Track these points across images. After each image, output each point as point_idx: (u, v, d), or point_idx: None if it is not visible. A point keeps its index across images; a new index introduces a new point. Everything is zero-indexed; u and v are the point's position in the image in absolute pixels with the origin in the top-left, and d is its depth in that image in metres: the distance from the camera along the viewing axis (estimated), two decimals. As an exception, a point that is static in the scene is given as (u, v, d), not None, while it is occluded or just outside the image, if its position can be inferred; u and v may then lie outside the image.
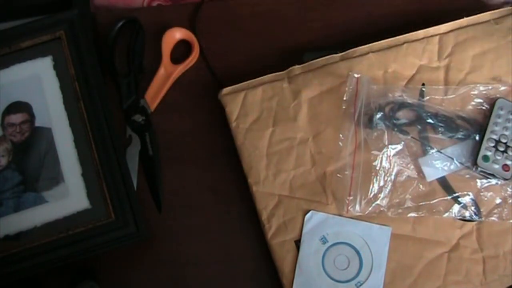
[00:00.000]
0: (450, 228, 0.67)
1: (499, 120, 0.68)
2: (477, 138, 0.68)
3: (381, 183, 0.67)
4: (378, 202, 0.67)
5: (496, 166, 0.66)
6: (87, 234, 0.67)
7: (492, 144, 0.67)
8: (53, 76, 0.72)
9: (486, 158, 0.66)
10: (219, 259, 0.70)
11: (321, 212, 0.67)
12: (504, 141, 0.67)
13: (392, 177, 0.67)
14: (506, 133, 0.67)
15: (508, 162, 0.66)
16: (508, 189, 0.67)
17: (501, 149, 0.66)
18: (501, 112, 0.68)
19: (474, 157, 0.67)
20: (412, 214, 0.66)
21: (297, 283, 0.66)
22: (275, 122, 0.70)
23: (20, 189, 0.69)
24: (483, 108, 0.69)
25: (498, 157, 0.66)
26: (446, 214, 0.66)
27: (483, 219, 0.66)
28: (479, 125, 0.68)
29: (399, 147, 0.68)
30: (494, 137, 0.67)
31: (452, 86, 0.70)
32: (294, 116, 0.70)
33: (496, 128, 0.67)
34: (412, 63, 0.71)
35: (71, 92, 0.71)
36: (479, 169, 0.66)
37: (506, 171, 0.66)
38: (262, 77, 0.72)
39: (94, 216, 0.67)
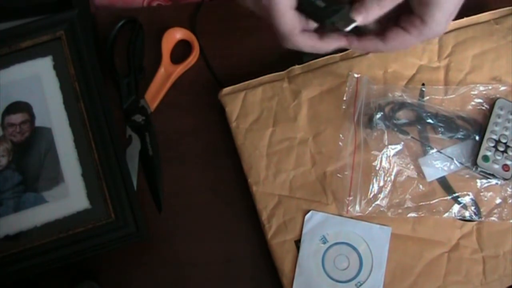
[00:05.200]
0: (450, 228, 0.67)
1: (499, 120, 0.68)
2: (477, 138, 0.68)
3: (381, 183, 0.67)
4: (378, 202, 0.67)
5: (496, 166, 0.66)
6: (87, 234, 0.67)
7: (492, 144, 0.67)
8: (53, 76, 0.72)
9: (486, 158, 0.66)
10: (219, 259, 0.70)
11: (321, 212, 0.67)
12: (504, 141, 0.67)
13: (392, 177, 0.67)
14: (506, 133, 0.67)
15: (508, 162, 0.66)
16: (508, 189, 0.67)
17: (501, 149, 0.66)
18: (501, 112, 0.68)
19: (474, 157, 0.67)
20: (412, 214, 0.66)
21: (297, 283, 0.66)
22: (275, 122, 0.70)
23: (20, 189, 0.69)
24: (483, 108, 0.69)
25: (498, 157, 0.66)
26: (446, 214, 0.66)
27: (483, 219, 0.66)
28: (479, 125, 0.68)
29: (399, 147, 0.68)
30: (494, 137, 0.67)
31: (452, 86, 0.70)
32: (294, 116, 0.70)
33: (496, 128, 0.67)
34: (412, 63, 0.71)
35: (71, 92, 0.71)
36: (479, 169, 0.66)
37: (506, 171, 0.66)
38: (262, 77, 0.72)
39: (94, 216, 0.67)
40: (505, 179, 0.66)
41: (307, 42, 0.56)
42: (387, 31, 0.57)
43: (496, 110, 0.68)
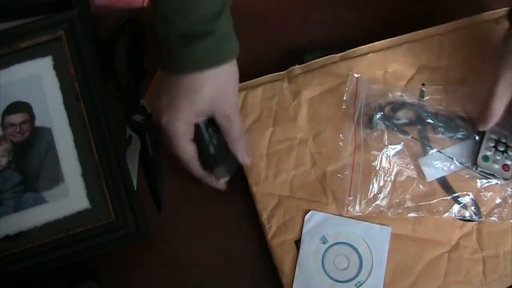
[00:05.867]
0: (450, 228, 0.67)
1: (499, 120, 0.67)
2: (477, 138, 0.68)
3: (381, 183, 0.67)
4: (378, 202, 0.67)
5: (496, 166, 0.66)
6: (87, 234, 0.67)
7: (492, 144, 0.67)
8: (53, 76, 0.72)
9: (486, 158, 0.66)
10: (219, 259, 0.70)
11: (321, 212, 0.67)
12: (504, 141, 0.67)
13: (392, 177, 0.67)
14: (506, 132, 0.67)
15: (508, 162, 0.66)
16: (508, 189, 0.67)
17: (501, 149, 0.66)
18: None
19: (474, 157, 0.67)
20: (412, 214, 0.66)
21: (297, 283, 0.66)
22: (275, 122, 0.70)
23: (20, 189, 0.69)
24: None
25: (498, 157, 0.66)
26: (446, 214, 0.66)
27: (483, 219, 0.66)
28: (479, 125, 0.68)
29: (398, 147, 0.68)
30: (494, 137, 0.67)
31: (452, 86, 0.70)
32: (294, 116, 0.70)
33: (496, 128, 0.67)
34: (412, 63, 0.71)
35: (71, 92, 0.71)
36: (479, 169, 0.66)
37: (506, 171, 0.66)
38: (262, 77, 0.72)
39: (94, 216, 0.67)
40: (505, 179, 0.66)
41: (201, 171, 0.66)
42: None
43: None
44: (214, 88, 0.62)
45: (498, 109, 0.64)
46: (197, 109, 0.63)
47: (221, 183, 0.68)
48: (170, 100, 0.62)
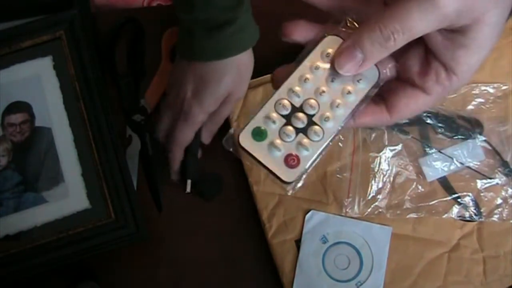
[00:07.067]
0: (450, 228, 0.67)
1: (316, 75, 0.40)
2: (478, 138, 0.67)
3: (380, 185, 0.67)
4: (376, 203, 0.67)
5: (277, 153, 0.38)
6: (87, 234, 0.67)
7: (285, 112, 0.38)
8: (53, 76, 0.72)
9: (258, 134, 0.38)
10: (219, 259, 0.70)
11: (321, 211, 0.67)
12: (311, 112, 0.38)
13: (391, 178, 0.67)
14: (322, 99, 0.38)
15: (300, 152, 0.38)
16: (509, 189, 0.67)
17: (299, 125, 0.38)
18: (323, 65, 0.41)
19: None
20: (411, 215, 0.66)
21: (297, 282, 0.66)
22: (275, 122, 0.70)
23: (20, 189, 0.69)
24: (484, 108, 0.69)
25: (287, 140, 0.38)
26: (446, 215, 0.66)
27: (483, 219, 0.66)
28: (480, 125, 0.68)
29: (398, 148, 0.68)
30: (296, 99, 0.39)
31: (452, 86, 0.70)
32: (294, 116, 0.70)
33: (306, 86, 0.40)
34: (412, 63, 0.71)
35: (71, 92, 0.71)
36: (230, 147, 0.41)
37: (291, 165, 0.38)
38: (262, 77, 0.72)
39: (94, 216, 0.67)
40: (284, 182, 0.38)
41: (178, 160, 0.68)
42: (393, 101, 0.42)
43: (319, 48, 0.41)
44: (234, 74, 0.63)
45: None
46: (218, 97, 0.64)
47: (175, 175, 0.69)
48: (194, 90, 0.63)
